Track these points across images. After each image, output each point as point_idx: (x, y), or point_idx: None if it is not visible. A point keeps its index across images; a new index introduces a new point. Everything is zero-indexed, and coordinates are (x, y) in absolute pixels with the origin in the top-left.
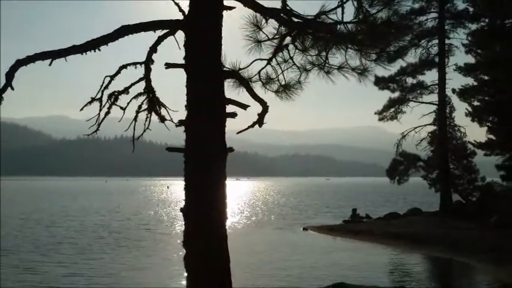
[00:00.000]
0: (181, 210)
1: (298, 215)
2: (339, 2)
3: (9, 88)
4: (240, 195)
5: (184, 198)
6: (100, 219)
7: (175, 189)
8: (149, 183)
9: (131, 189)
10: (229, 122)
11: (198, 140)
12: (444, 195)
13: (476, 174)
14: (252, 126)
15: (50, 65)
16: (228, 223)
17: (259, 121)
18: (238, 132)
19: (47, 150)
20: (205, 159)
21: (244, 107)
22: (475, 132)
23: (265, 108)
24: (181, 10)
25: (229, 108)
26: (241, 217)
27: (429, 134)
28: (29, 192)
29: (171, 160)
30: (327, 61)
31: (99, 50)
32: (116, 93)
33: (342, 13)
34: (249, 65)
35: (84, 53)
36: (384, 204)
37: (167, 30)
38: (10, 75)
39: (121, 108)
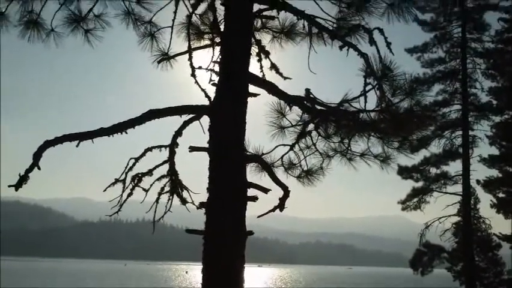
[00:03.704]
0: None
1: None
2: (361, 91)
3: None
4: (259, 283)
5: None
6: None
7: (194, 274)
8: (169, 268)
9: (150, 273)
10: (249, 206)
11: (217, 223)
12: None
13: (502, 267)
14: (273, 210)
15: (77, 146)
16: None
17: (280, 205)
18: (258, 216)
19: (69, 232)
20: (224, 242)
21: (265, 191)
22: (500, 224)
23: (286, 192)
24: (207, 96)
25: (251, 192)
26: None
27: (454, 225)
28: (44, 273)
29: (192, 245)
30: (349, 148)
31: (126, 132)
32: (139, 175)
33: (365, 101)
34: (272, 150)
35: (111, 136)
36: None
37: (193, 115)
38: (38, 155)
39: (144, 190)
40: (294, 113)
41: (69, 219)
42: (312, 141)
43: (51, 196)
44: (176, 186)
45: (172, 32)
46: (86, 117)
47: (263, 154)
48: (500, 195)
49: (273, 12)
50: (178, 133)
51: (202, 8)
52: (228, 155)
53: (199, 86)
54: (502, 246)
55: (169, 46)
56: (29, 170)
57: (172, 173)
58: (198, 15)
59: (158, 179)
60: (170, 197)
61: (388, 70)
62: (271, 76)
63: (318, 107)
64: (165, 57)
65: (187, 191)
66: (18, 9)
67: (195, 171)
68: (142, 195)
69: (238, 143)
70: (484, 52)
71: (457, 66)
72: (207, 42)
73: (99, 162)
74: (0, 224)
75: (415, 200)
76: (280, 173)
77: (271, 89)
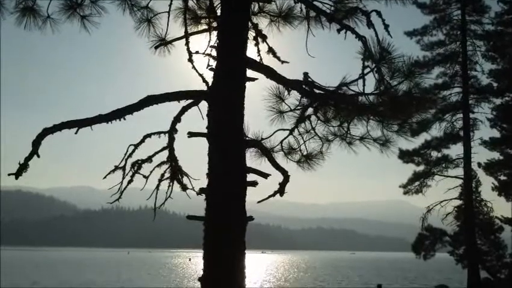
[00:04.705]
0: (199, 279)
1: None
2: (360, 74)
3: (35, 157)
4: (261, 268)
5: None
6: None
7: (197, 262)
8: (171, 255)
9: (152, 261)
10: (249, 191)
11: (217, 208)
12: (472, 271)
13: (504, 250)
14: (273, 195)
15: (76, 133)
16: None
17: (281, 190)
18: (259, 201)
19: (71, 221)
20: (224, 227)
21: (265, 176)
22: (502, 207)
23: (286, 177)
24: (204, 81)
25: (250, 177)
26: None
27: (456, 209)
28: (47, 263)
29: (194, 232)
30: (348, 132)
31: (124, 119)
32: (139, 162)
33: (364, 84)
34: (271, 135)
35: (110, 122)
36: (409, 280)
37: (191, 101)
38: (37, 143)
39: (144, 176)
40: (293, 97)
41: (71, 208)
42: (312, 125)
43: (53, 185)
44: (176, 172)
45: (168, 17)
46: (87, 106)
47: (262, 139)
48: (502, 177)
49: None
50: (177, 119)
51: None
52: (227, 140)
53: (197, 71)
54: (504, 229)
55: (166, 31)
56: (28, 158)
57: (172, 159)
58: (194, 0)
59: (158, 165)
60: (171, 184)
61: (386, 52)
62: (268, 60)
63: (317, 91)
64: (162, 42)
65: (187, 177)
66: None
67: (195, 157)
68: (143, 182)
69: (237, 128)
70: (484, 34)
71: (457, 49)
72: (204, 27)
73: (101, 151)
74: (1, 214)
75: (416, 183)
76: (280, 157)
77: (269, 73)
